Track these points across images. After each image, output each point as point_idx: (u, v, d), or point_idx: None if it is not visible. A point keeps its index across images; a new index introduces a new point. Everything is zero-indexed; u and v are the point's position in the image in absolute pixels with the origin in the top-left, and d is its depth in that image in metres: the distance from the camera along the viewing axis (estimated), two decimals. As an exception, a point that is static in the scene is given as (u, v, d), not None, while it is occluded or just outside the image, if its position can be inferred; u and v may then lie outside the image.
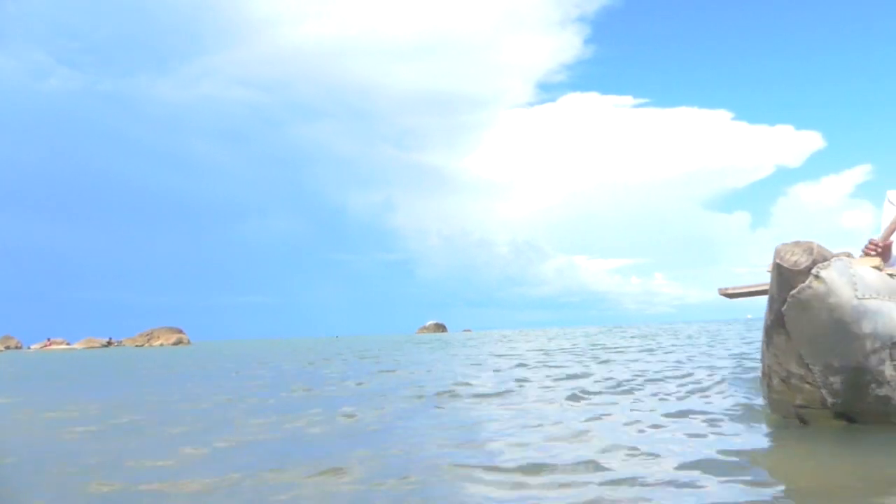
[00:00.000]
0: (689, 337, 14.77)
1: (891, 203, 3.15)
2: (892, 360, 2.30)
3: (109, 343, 46.18)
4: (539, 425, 3.01)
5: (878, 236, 2.97)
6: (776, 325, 2.39)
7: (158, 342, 44.46)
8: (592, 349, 10.55)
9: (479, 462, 2.24)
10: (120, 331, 50.70)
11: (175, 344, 43.78)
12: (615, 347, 10.95)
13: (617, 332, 26.32)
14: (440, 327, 65.87)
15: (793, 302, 2.28)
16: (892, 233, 2.84)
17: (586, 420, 3.09)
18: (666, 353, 8.65)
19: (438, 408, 3.79)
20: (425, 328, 65.30)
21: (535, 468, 2.12)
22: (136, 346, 44.04)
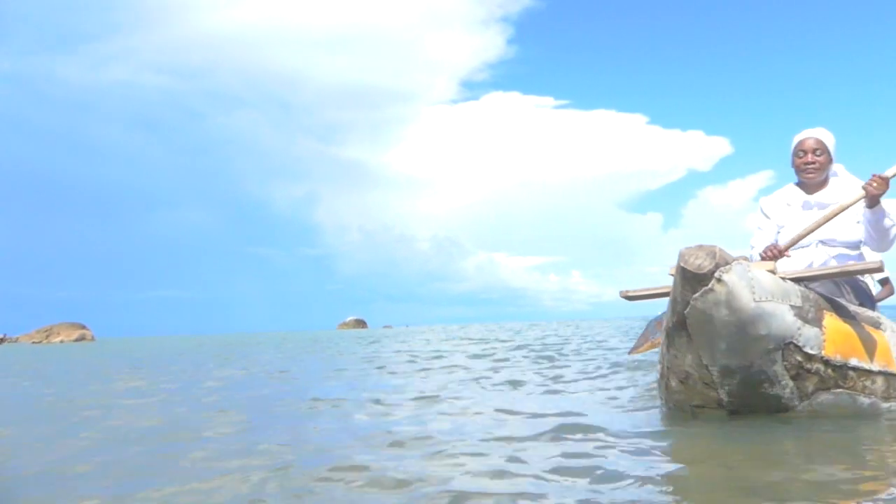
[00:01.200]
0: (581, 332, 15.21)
1: (762, 212, 3.33)
2: (783, 360, 2.41)
3: (3, 340, 43.05)
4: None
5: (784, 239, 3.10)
6: (678, 326, 2.45)
7: (58, 338, 41.74)
8: (503, 344, 10.71)
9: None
10: (15, 326, 47.41)
11: (77, 340, 41.28)
12: (508, 342, 11.15)
13: (536, 328, 26.89)
14: (360, 323, 65.40)
15: (695, 304, 2.34)
16: (797, 241, 2.95)
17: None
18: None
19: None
20: (345, 324, 64.69)
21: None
22: (34, 342, 41.22)
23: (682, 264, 2.36)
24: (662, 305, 2.71)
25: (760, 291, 2.33)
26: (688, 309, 2.37)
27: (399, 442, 2.54)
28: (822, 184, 3.19)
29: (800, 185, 3.25)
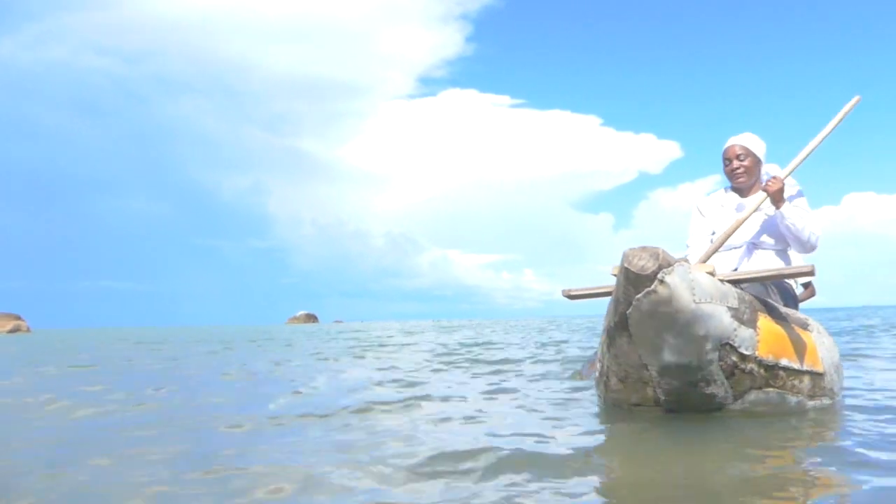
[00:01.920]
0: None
1: (698, 213, 3.46)
2: (720, 360, 2.48)
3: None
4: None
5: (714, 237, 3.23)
6: (619, 326, 2.51)
7: (-9, 329, 39.89)
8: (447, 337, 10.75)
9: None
10: (-57, 316, 45.03)
11: (12, 332, 39.53)
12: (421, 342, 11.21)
13: (484, 326, 27.03)
14: (311, 318, 64.67)
15: (638, 305, 2.40)
16: (719, 246, 3.05)
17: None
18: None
19: None
20: (295, 318, 63.88)
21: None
22: (-37, 333, 39.27)
23: (625, 265, 2.41)
24: (604, 305, 2.75)
25: (700, 293, 2.40)
26: (630, 309, 2.43)
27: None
28: (754, 187, 3.34)
29: (733, 188, 3.40)
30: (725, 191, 3.44)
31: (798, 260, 3.38)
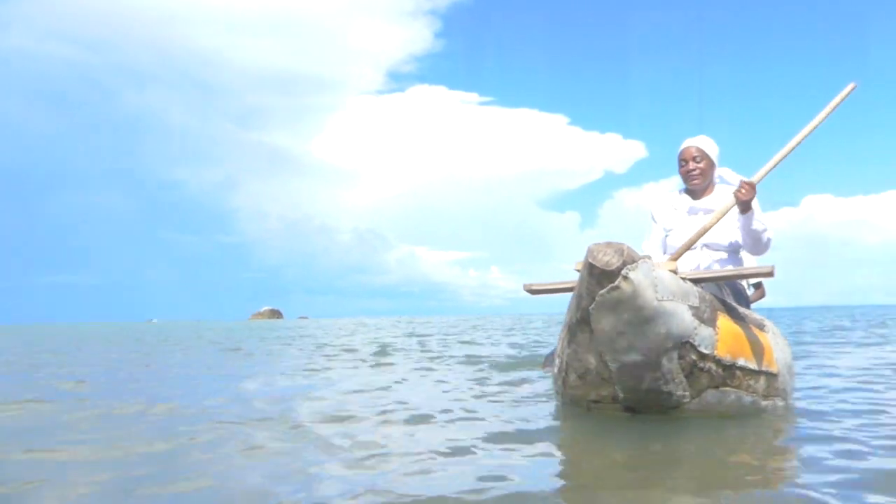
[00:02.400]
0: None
1: (651, 216, 3.53)
2: (679, 358, 2.49)
3: None
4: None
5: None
6: (581, 322, 2.49)
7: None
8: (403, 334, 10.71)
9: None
10: None
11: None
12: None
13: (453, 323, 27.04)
14: (275, 313, 63.92)
15: (601, 301, 2.39)
16: (687, 248, 3.08)
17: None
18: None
19: None
20: (259, 314, 63.08)
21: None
22: None
23: (590, 260, 2.40)
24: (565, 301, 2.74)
25: (663, 291, 2.41)
26: (593, 305, 2.42)
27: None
28: (708, 189, 3.39)
29: (687, 191, 3.44)
30: (679, 193, 3.48)
31: (750, 261, 3.44)
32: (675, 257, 2.93)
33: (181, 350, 9.23)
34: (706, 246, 3.28)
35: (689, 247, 3.03)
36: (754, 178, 3.00)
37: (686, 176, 3.35)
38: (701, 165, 3.31)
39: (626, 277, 2.35)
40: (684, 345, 2.47)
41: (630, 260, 2.39)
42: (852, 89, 3.12)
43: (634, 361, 2.48)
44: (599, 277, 2.39)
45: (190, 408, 3.27)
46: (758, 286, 4.85)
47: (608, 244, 2.43)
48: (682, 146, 3.38)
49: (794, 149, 3.10)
